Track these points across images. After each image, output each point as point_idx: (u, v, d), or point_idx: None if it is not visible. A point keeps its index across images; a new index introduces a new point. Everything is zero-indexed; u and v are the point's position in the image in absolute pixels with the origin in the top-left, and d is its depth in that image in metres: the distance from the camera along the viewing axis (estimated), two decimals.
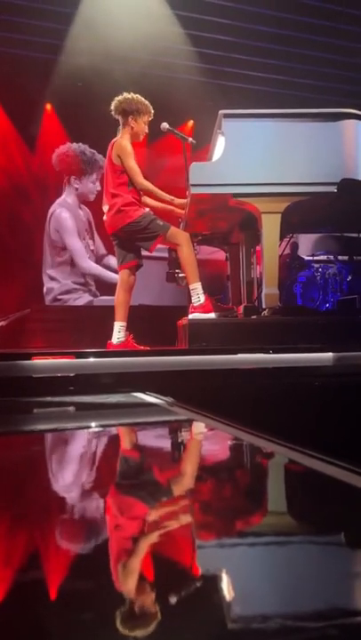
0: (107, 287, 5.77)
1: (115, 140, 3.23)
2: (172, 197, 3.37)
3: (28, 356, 2.13)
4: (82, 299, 6.00)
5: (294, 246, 4.59)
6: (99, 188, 5.76)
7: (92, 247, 6.20)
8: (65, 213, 6.03)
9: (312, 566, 0.52)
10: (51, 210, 6.08)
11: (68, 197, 6.12)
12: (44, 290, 6.03)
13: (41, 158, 6.29)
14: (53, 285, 6.00)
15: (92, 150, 5.97)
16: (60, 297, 5.97)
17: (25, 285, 5.81)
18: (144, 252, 3.33)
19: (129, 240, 3.22)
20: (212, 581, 0.50)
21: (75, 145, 6.08)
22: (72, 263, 6.04)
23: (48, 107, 6.29)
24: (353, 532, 0.61)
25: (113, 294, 3.39)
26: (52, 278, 6.03)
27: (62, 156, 6.06)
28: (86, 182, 6.09)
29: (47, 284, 6.04)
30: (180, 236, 3.17)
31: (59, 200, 6.13)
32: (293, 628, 0.41)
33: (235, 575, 0.50)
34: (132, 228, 3.14)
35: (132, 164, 3.13)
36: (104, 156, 3.41)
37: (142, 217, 3.14)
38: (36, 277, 6.02)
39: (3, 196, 6.03)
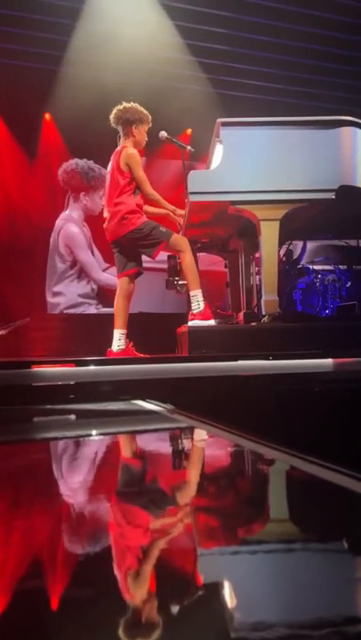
0: (107, 299, 5.77)
1: (119, 149, 3.25)
2: (175, 208, 3.40)
3: (28, 365, 2.12)
4: (87, 312, 5.99)
5: (290, 253, 4.60)
6: (103, 203, 5.78)
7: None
8: (75, 228, 6.01)
9: (315, 573, 0.52)
10: (58, 224, 6.05)
11: (73, 212, 6.10)
12: (49, 305, 6.00)
13: (41, 168, 6.31)
14: (59, 300, 5.96)
15: (99, 166, 5.98)
16: (66, 311, 5.95)
17: (25, 294, 5.81)
18: (144, 263, 3.35)
19: (131, 247, 3.23)
20: (215, 589, 0.50)
21: (81, 162, 6.07)
22: (79, 277, 6.01)
23: (47, 117, 6.32)
24: (355, 539, 0.61)
25: (113, 306, 3.39)
26: (57, 293, 6.00)
27: (71, 173, 6.05)
28: (95, 198, 6.09)
29: (52, 299, 5.98)
30: (182, 242, 3.19)
31: (63, 215, 6.10)
32: (297, 636, 0.40)
33: (237, 583, 0.50)
34: (134, 235, 3.16)
35: (141, 173, 3.16)
36: (106, 168, 3.42)
37: (145, 224, 3.16)
38: (36, 287, 6.01)
39: (2, 206, 6.05)
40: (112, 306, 3.44)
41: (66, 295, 5.97)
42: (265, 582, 0.50)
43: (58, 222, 6.07)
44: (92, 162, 6.04)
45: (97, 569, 0.54)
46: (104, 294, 5.99)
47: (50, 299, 6.01)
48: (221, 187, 3.01)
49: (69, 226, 6.02)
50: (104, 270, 6.19)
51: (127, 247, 3.24)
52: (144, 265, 3.41)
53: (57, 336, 4.88)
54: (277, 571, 0.53)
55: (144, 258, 3.33)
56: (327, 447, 1.59)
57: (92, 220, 5.96)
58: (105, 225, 3.30)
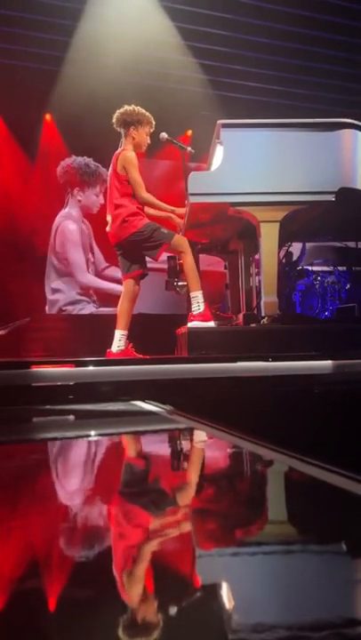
0: (106, 298, 5.78)
1: (119, 151, 3.25)
2: (173, 208, 3.40)
3: (28, 365, 2.12)
4: (85, 310, 6.00)
5: (289, 255, 4.62)
6: (102, 202, 5.77)
7: (92, 260, 6.20)
8: (72, 226, 6.02)
9: (314, 575, 0.52)
10: (56, 222, 6.06)
11: (71, 210, 6.11)
12: (48, 303, 6.01)
13: (41, 168, 6.31)
14: (58, 297, 5.98)
15: (97, 164, 5.99)
16: (64, 308, 5.96)
17: (25, 294, 5.81)
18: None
19: (134, 250, 3.24)
20: (214, 591, 0.50)
21: (79, 158, 6.10)
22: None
23: (48, 117, 6.33)
24: (354, 540, 0.61)
25: (112, 305, 3.39)
26: (56, 290, 6.01)
27: (66, 168, 6.07)
28: (90, 195, 6.09)
29: (51, 296, 6.01)
30: (184, 243, 3.20)
31: (62, 213, 6.11)
32: (296, 637, 0.40)
33: (236, 584, 0.50)
34: (136, 237, 3.16)
35: (137, 177, 3.16)
36: (106, 169, 3.43)
37: (146, 226, 3.16)
38: (35, 287, 6.02)
39: (3, 206, 6.05)
40: (111, 305, 3.44)
41: (65, 292, 5.98)
42: (264, 584, 0.50)
43: (56, 220, 6.09)
44: (90, 159, 6.05)
45: (96, 570, 0.54)
46: (104, 293, 6.01)
47: (49, 296, 6.03)
48: (222, 188, 3.01)
49: (67, 223, 6.04)
50: (103, 269, 6.20)
51: (130, 249, 3.25)
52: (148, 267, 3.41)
53: (57, 336, 4.88)
54: (276, 572, 0.53)
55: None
56: (326, 449, 1.59)
57: (94, 218, 5.96)
58: (107, 228, 3.32)
